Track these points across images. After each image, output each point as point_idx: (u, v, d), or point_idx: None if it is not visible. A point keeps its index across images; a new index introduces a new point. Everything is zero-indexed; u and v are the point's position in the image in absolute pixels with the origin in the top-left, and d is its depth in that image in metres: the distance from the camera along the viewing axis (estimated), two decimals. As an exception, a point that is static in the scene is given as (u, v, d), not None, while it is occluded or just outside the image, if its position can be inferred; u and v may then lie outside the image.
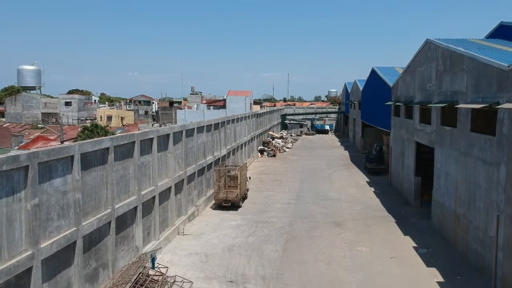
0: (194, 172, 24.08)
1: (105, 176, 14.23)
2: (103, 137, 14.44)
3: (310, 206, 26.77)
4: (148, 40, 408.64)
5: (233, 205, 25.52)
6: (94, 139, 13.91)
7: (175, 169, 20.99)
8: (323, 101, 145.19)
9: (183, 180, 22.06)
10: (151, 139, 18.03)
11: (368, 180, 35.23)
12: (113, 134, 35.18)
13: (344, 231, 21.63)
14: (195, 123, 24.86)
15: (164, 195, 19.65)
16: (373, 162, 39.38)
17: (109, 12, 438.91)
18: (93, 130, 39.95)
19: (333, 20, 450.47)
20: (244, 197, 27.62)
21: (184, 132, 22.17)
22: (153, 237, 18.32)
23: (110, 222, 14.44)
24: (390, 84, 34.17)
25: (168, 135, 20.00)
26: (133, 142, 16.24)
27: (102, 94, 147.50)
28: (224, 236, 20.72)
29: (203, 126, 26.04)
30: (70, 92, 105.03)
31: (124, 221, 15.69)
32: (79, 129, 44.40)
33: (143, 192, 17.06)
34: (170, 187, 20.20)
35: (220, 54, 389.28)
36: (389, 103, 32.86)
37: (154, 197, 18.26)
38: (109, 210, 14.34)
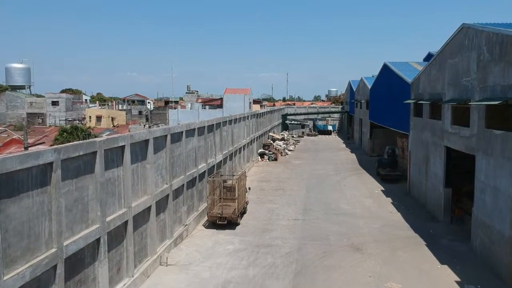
0: (183, 184, 19.98)
1: (47, 203, 10.11)
2: (44, 148, 10.32)
3: (320, 223, 22.67)
4: (147, 40, 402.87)
5: (230, 223, 21.41)
6: (27, 152, 9.75)
7: (157, 183, 16.89)
8: (323, 100, 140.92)
9: (167, 195, 17.96)
10: (122, 147, 13.89)
11: (383, 188, 31.13)
12: (95, 137, 30.93)
13: (366, 258, 17.56)
14: (184, 125, 20.72)
15: (142, 217, 15.53)
16: (386, 168, 35.35)
17: (109, 11, 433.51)
18: (72, 132, 35.66)
19: (332, 20, 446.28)
20: (243, 212, 23.49)
21: (168, 137, 18.05)
22: (125, 273, 14.20)
23: (55, 266, 10.33)
24: (409, 80, 30.08)
25: (146, 141, 15.87)
26: (94, 153, 12.12)
27: (98, 93, 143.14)
28: (218, 266, 16.61)
29: (194, 128, 21.92)
30: (62, 92, 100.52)
31: (80, 260, 11.58)
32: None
33: (109, 218, 12.94)
34: (150, 206, 16.07)
35: (218, 54, 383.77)
36: (409, 101, 28.77)
37: (126, 222, 14.13)
38: (53, 250, 10.23)
